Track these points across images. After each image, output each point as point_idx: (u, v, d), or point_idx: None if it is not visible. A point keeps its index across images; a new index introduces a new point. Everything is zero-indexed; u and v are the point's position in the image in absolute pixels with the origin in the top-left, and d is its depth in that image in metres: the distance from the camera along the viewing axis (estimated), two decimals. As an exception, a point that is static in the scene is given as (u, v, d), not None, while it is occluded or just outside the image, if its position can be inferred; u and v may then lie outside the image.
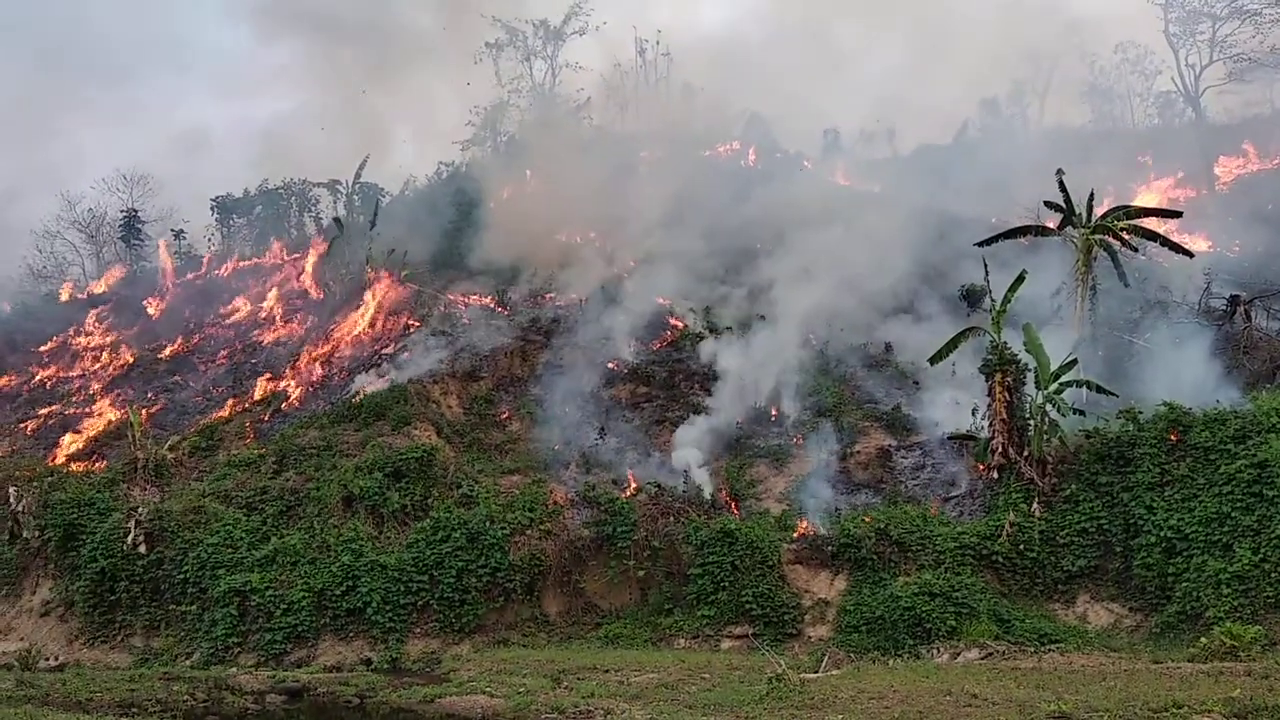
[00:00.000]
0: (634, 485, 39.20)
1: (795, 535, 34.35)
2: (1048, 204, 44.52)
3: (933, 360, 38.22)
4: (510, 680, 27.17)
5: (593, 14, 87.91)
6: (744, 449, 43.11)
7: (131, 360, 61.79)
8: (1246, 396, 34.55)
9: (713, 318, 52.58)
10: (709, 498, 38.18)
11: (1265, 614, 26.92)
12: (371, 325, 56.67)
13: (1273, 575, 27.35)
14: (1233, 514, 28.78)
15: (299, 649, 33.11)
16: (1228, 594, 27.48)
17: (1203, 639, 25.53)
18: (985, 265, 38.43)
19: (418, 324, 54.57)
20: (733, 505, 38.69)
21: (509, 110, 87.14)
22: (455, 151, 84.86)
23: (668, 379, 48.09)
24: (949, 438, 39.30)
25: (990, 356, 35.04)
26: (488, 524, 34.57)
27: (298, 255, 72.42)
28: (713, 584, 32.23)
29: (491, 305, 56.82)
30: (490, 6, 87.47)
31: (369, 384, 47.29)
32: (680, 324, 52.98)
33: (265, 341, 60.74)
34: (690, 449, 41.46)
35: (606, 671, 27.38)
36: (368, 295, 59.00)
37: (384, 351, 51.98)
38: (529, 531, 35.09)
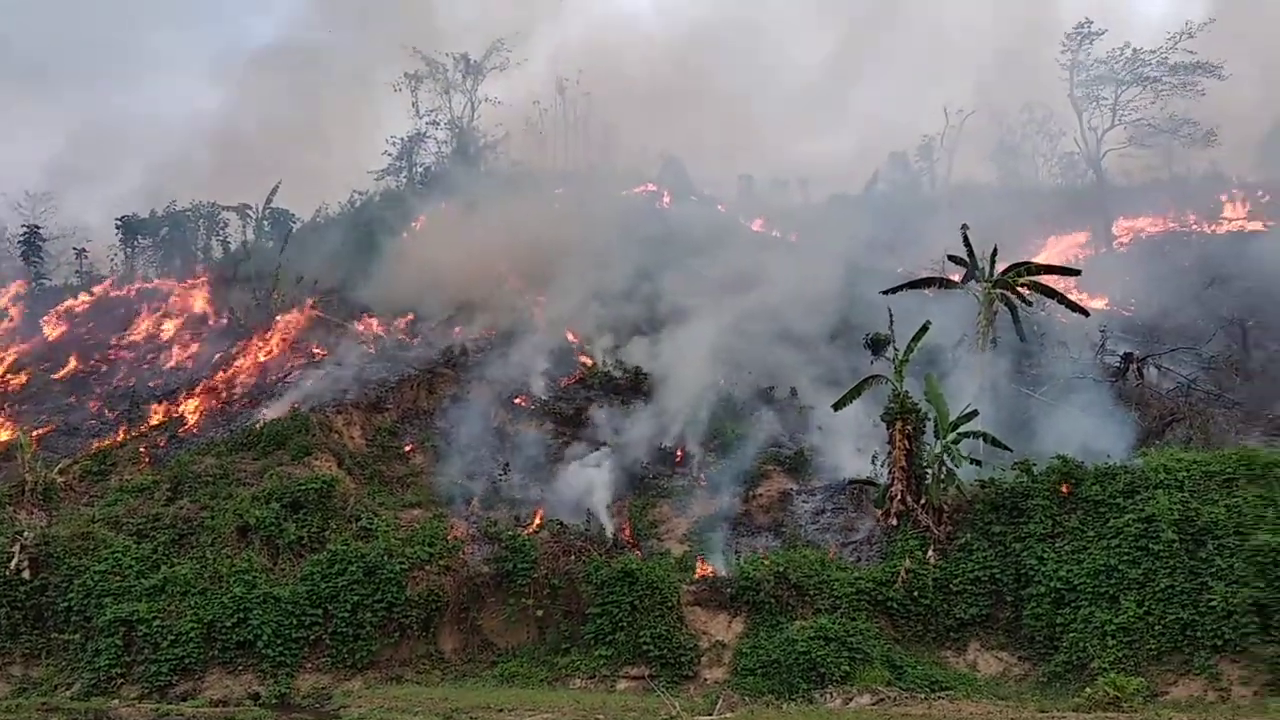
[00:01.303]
0: (537, 522, 38.98)
1: (695, 577, 34.45)
2: (951, 258, 45.56)
3: (836, 406, 38.73)
4: (402, 718, 26.76)
5: (513, 50, 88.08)
6: (648, 489, 43.17)
7: (25, 380, 59.98)
8: (1136, 452, 35.56)
9: (622, 356, 52.69)
10: (611, 537, 38.14)
11: (1148, 665, 27.64)
12: (275, 352, 55.80)
13: (1156, 628, 28.09)
14: (1120, 566, 29.53)
15: (185, 681, 32.16)
16: (1113, 645, 28.15)
17: (1087, 689, 26.11)
18: (890, 315, 39.11)
19: (323, 353, 53.89)
20: (635, 545, 38.69)
21: (426, 142, 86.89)
22: (370, 181, 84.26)
23: (574, 416, 48.02)
24: (849, 483, 39.78)
25: (892, 405, 35.63)
26: (386, 558, 34.07)
27: (203, 279, 71.06)
28: (611, 624, 32.09)
29: (400, 336, 56.33)
30: (411, 37, 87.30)
31: (270, 412, 46.48)
32: (589, 362, 53.04)
33: (165, 365, 59.38)
34: (595, 487, 41.37)
35: (500, 711, 27.15)
36: (274, 322, 58.14)
37: (287, 380, 51.17)
38: (427, 567, 34.67)
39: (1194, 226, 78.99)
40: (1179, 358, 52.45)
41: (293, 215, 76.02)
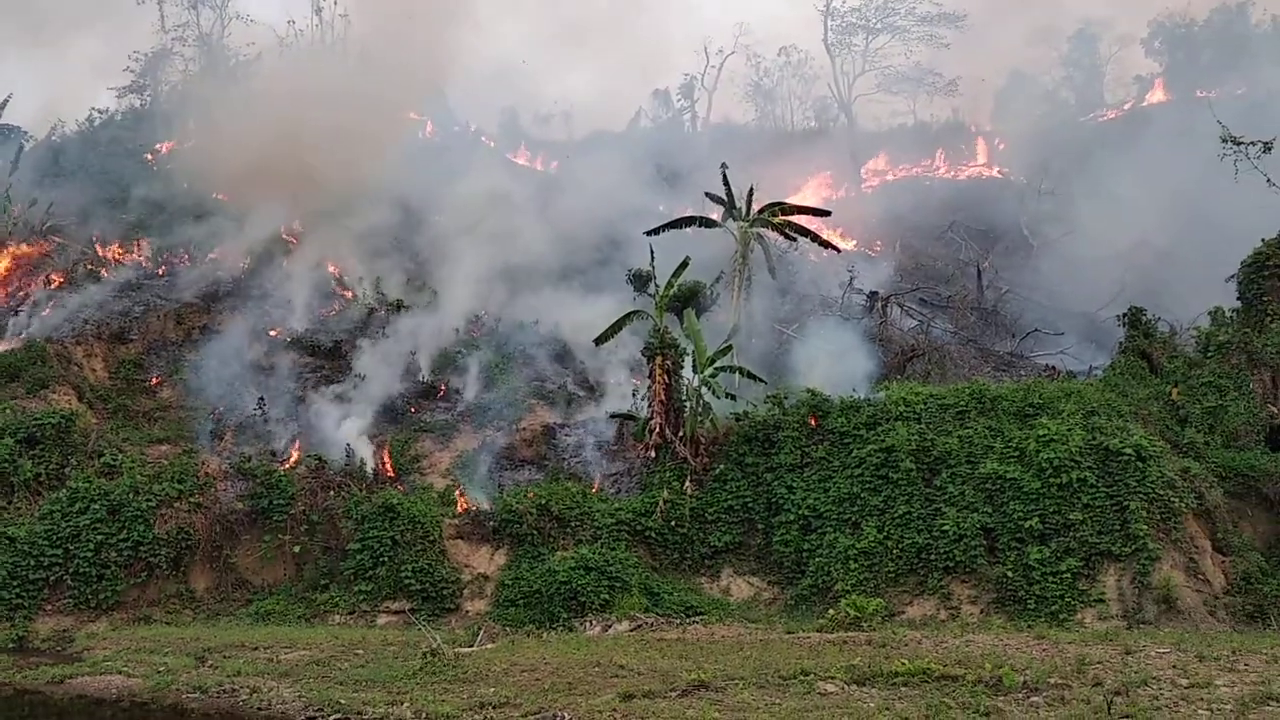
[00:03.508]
0: (294, 457, 38.04)
1: (458, 511, 34.45)
2: (709, 195, 46.62)
3: (598, 341, 39.28)
4: (150, 659, 25.83)
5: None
6: (410, 423, 42.68)
7: None
8: (879, 386, 37.53)
9: (383, 288, 51.61)
10: (371, 472, 37.64)
11: (886, 587, 29.45)
12: (6, 279, 52.02)
13: (894, 551, 29.93)
14: (862, 494, 31.28)
15: (-91, 627, 30.13)
16: (854, 569, 29.85)
17: (831, 610, 27.57)
18: (652, 251, 39.79)
19: (60, 280, 50.57)
20: (396, 480, 38.31)
21: (172, 59, 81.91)
22: (110, 98, 78.92)
23: (334, 349, 46.78)
24: (611, 416, 40.43)
25: (652, 339, 36.33)
26: (131, 495, 32.59)
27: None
28: (372, 559, 31.78)
29: (145, 264, 53.39)
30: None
31: (3, 344, 43.46)
32: (349, 294, 51.71)
33: (-121, 291, 54.60)
34: (354, 422, 40.59)
35: (255, 649, 26.53)
36: (3, 247, 54.11)
37: (20, 310, 47.84)
38: (177, 504, 33.36)
39: (936, 172, 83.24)
40: (920, 297, 55.47)
41: (24, 133, 70.62)
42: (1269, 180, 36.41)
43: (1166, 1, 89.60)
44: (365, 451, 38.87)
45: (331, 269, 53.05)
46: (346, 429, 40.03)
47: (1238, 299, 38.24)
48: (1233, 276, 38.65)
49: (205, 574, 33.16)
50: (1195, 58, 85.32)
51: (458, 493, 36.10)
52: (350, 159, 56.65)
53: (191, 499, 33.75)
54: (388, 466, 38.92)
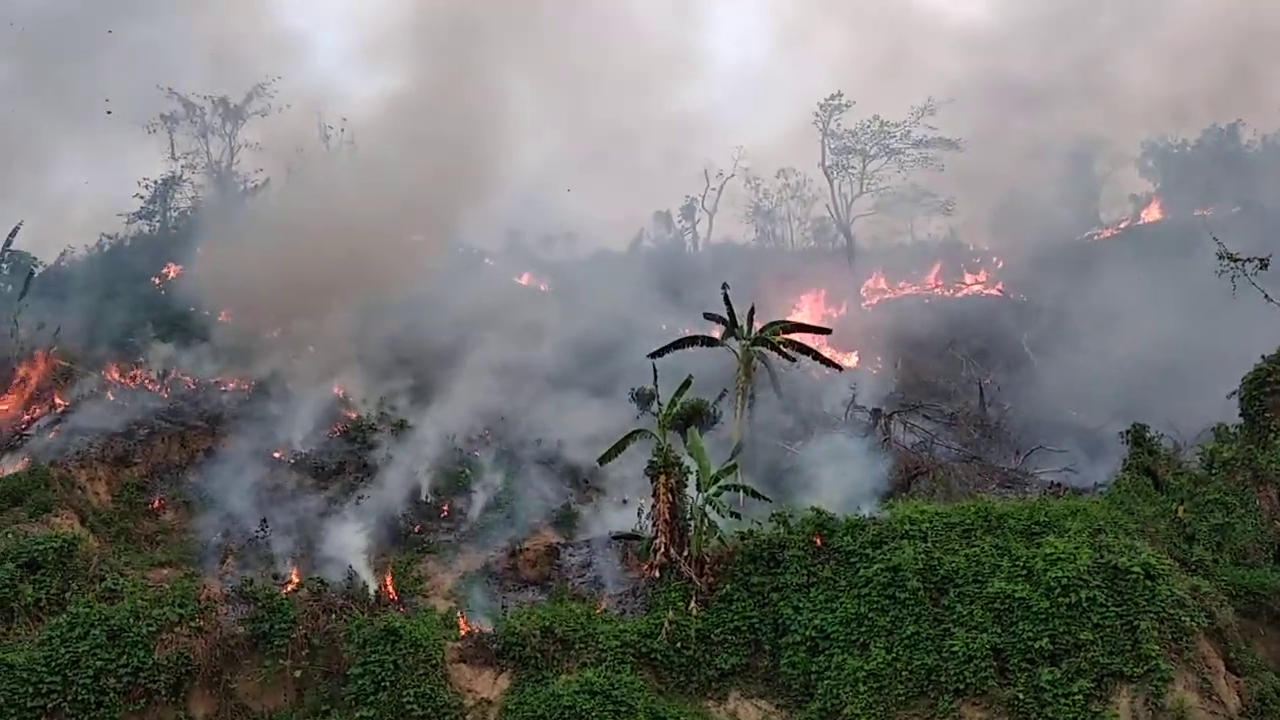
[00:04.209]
0: (295, 580, 37.70)
1: (460, 633, 34.05)
2: (710, 316, 47.07)
3: (602, 460, 39.29)
4: (148, 790, 25.34)
5: (275, 95, 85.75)
6: (413, 544, 42.51)
7: None
8: (884, 505, 37.39)
9: (387, 410, 51.82)
10: (373, 594, 37.28)
11: (896, 710, 28.95)
12: (13, 404, 52.25)
13: (903, 673, 29.47)
14: (869, 614, 30.87)
15: (-95, 760, 29.60)
16: (863, 691, 29.35)
17: (839, 734, 27.15)
18: (655, 371, 39.98)
19: (65, 403, 50.79)
20: (398, 602, 37.94)
21: (182, 185, 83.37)
22: (120, 225, 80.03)
23: (337, 471, 46.83)
24: (615, 536, 40.23)
25: (655, 459, 36.29)
26: (132, 620, 32.17)
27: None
28: (373, 683, 31.25)
29: (150, 387, 53.67)
30: (165, 78, 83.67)
31: (5, 467, 43.48)
32: (354, 415, 51.91)
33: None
34: (357, 544, 40.40)
35: (255, 779, 26.07)
36: (12, 371, 54.42)
37: (25, 433, 48.01)
38: (178, 628, 32.86)
39: (935, 290, 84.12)
40: (923, 414, 55.58)
41: (35, 259, 71.50)
42: (1267, 296, 36.89)
43: (1158, 123, 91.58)
44: (367, 574, 38.56)
45: (336, 390, 53.32)
46: (349, 551, 39.82)
47: (1240, 415, 38.39)
48: (1234, 393, 38.85)
49: (205, 700, 32.55)
50: (1189, 177, 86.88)
51: (460, 615, 35.74)
52: (356, 281, 57.41)
53: (192, 623, 33.24)
54: (390, 589, 38.54)
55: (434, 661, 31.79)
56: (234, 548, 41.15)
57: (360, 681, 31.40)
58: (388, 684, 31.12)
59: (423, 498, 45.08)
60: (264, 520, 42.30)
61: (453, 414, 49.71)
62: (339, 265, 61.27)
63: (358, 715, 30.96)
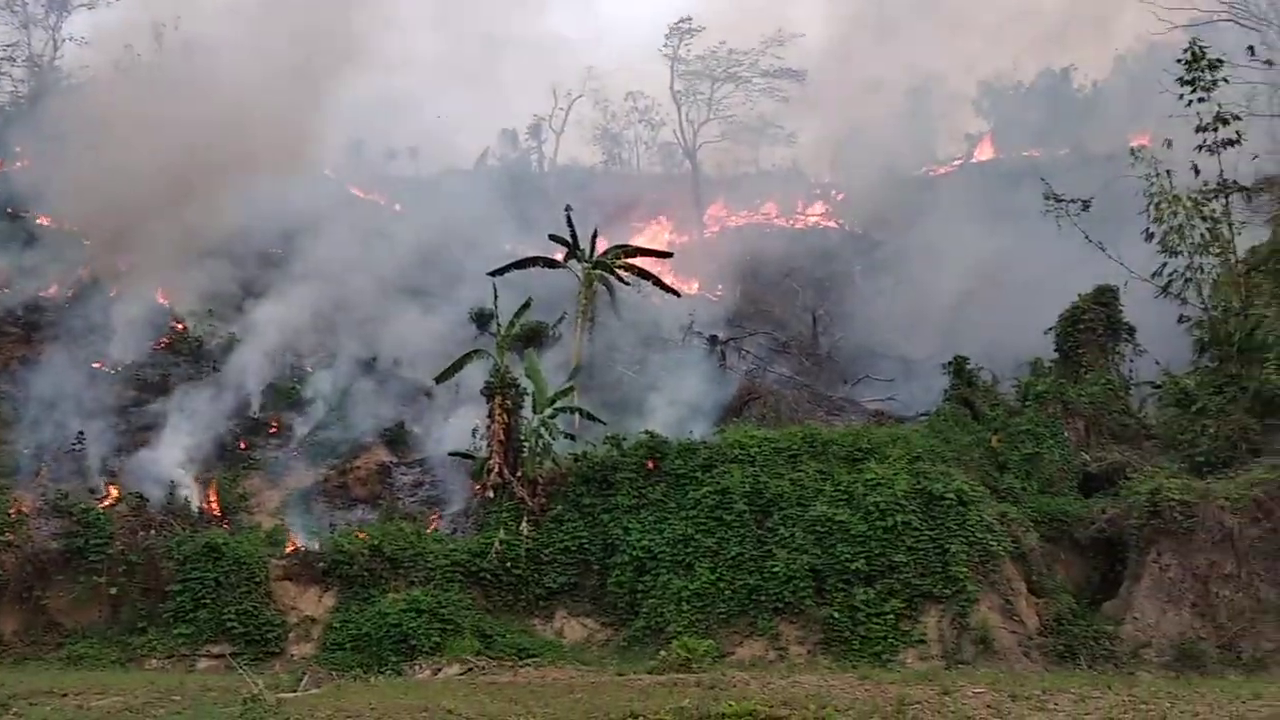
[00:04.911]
0: (114, 495, 36.56)
1: (286, 551, 33.59)
2: (553, 238, 46.86)
3: (439, 379, 39.03)
4: (-53, 708, 24.37)
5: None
6: (239, 461, 41.59)
7: None
8: (716, 429, 38.11)
9: (215, 322, 50.18)
10: (196, 510, 36.47)
11: (717, 628, 29.74)
12: None
13: (726, 592, 30.27)
14: (696, 536, 31.54)
15: None
16: (687, 610, 30.07)
17: (662, 652, 27.70)
18: (495, 290, 39.69)
19: None
20: (223, 519, 37.18)
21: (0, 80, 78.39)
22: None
23: (161, 383, 45.29)
24: (450, 455, 40.06)
25: (492, 379, 36.19)
26: (-67, 535, 30.89)
27: None
28: (193, 601, 30.67)
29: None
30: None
31: None
32: (180, 326, 50.14)
33: None
34: (179, 459, 39.31)
35: (64, 695, 25.21)
36: None
37: None
38: (-14, 542, 31.72)
39: (776, 220, 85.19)
40: (758, 341, 56.62)
41: None
42: (1087, 236, 38.45)
43: (995, 62, 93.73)
44: (190, 490, 37.66)
45: (161, 299, 51.34)
46: (171, 466, 38.74)
47: (1055, 351, 40.15)
48: (1051, 329, 40.58)
49: (13, 616, 31.41)
50: (1022, 118, 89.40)
51: (287, 533, 35.25)
52: (185, 188, 55.04)
53: (1, 537, 32.09)
54: (213, 505, 37.76)
55: (257, 579, 31.36)
56: (48, 461, 39.56)
57: (180, 598, 30.82)
58: (208, 601, 30.64)
59: (251, 413, 44.03)
60: (80, 433, 40.71)
61: (284, 328, 48.40)
62: (169, 170, 58.69)
63: (175, 632, 30.44)
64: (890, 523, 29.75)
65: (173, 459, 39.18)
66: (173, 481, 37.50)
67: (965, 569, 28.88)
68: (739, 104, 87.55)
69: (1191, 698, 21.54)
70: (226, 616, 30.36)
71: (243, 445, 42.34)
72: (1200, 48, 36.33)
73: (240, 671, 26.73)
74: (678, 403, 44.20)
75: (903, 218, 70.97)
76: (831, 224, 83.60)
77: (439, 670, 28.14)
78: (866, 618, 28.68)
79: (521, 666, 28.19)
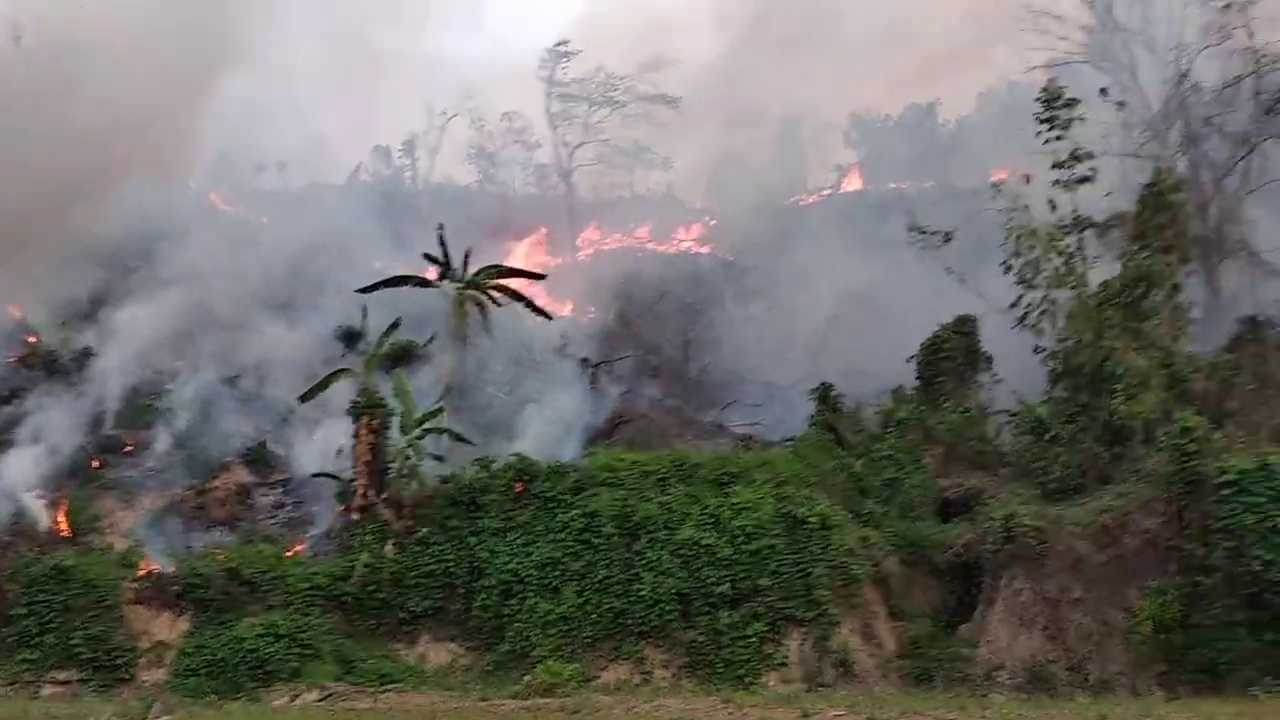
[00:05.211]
0: (-43, 515, 34.99)
1: (139, 574, 32.48)
2: (426, 256, 46.39)
3: (303, 398, 38.33)
4: None
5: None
6: (92, 480, 40.17)
7: None
8: (586, 452, 38.05)
9: (69, 335, 48.41)
10: (45, 531, 35.08)
11: (583, 652, 29.69)
12: None
13: (593, 616, 30.24)
14: (564, 559, 31.42)
15: None
16: (553, 634, 29.96)
17: (527, 677, 27.56)
18: (364, 310, 39.14)
19: None
20: (72, 540, 35.80)
21: None
22: None
23: (8, 399, 43.52)
24: (313, 476, 39.25)
25: (358, 399, 35.61)
26: None
27: None
28: (39, 625, 29.51)
29: None
30: None
31: None
32: (35, 339, 48.28)
33: None
34: (27, 477, 37.74)
35: (-107, 728, 24.10)
36: None
37: None
38: None
39: (649, 245, 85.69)
40: (629, 364, 56.84)
41: None
42: (949, 269, 39.57)
43: (865, 96, 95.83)
44: (39, 509, 36.22)
45: (14, 311, 49.37)
46: (18, 484, 37.19)
47: (916, 378, 41.14)
48: (913, 357, 41.57)
49: None
50: (890, 151, 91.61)
51: (141, 556, 34.09)
52: (39, 198, 53.06)
53: None
54: (63, 526, 36.36)
55: (108, 603, 30.36)
56: (-114, 479, 37.68)
57: (25, 622, 29.70)
58: (55, 625, 29.58)
59: (105, 430, 42.56)
60: (-79, 449, 38.93)
61: (142, 340, 46.92)
62: (25, 175, 56.50)
63: (19, 658, 29.28)
64: (755, 546, 30.08)
65: (20, 477, 37.58)
66: (19, 500, 36.03)
67: (827, 592, 29.39)
68: (615, 128, 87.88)
69: (1042, 719, 22.23)
70: (74, 641, 29.30)
71: (96, 463, 40.86)
72: (1058, 87, 37.75)
73: (87, 699, 25.86)
74: (549, 425, 44.04)
75: (773, 245, 71.96)
76: (704, 250, 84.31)
77: (297, 696, 27.55)
78: (731, 641, 28.98)
79: (382, 693, 27.79)
